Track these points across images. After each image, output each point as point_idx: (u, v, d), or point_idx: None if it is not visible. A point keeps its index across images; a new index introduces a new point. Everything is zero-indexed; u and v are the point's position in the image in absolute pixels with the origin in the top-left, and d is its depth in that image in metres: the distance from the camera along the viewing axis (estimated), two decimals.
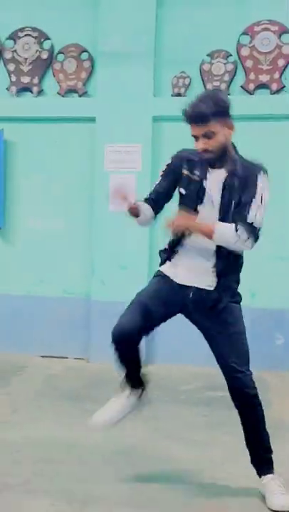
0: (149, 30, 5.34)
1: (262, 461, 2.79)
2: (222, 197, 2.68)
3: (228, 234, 2.62)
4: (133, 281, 5.37)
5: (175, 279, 2.81)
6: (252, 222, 2.64)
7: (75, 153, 5.62)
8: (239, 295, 2.86)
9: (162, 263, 2.91)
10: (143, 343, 5.60)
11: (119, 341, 2.83)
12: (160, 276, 2.89)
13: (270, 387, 4.06)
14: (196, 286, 2.76)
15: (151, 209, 2.86)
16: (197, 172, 2.73)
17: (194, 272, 2.76)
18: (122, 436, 3.48)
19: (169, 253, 2.85)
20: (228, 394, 4.37)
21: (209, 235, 2.63)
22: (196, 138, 2.65)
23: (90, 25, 5.51)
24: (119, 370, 2.98)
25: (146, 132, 5.35)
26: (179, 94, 5.35)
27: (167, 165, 2.87)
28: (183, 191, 2.77)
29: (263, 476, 2.77)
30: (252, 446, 2.80)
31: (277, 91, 5.20)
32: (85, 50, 5.54)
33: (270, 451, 2.80)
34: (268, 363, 4.99)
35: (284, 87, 5.20)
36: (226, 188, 2.67)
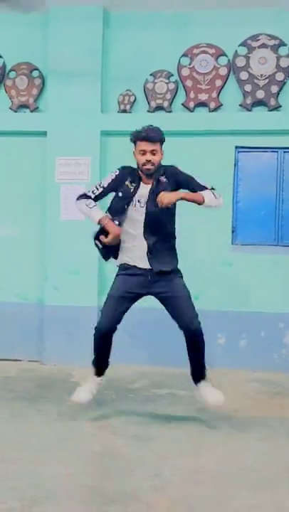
0: (96, 50, 5.32)
1: (201, 373, 3.65)
2: (147, 201, 3.56)
3: (211, 196, 3.57)
4: (84, 286, 5.37)
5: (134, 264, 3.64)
6: (211, 187, 3.63)
7: (27, 166, 5.54)
8: (179, 271, 3.70)
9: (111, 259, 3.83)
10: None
11: (103, 336, 3.71)
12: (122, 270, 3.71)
13: (213, 384, 4.06)
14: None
15: (95, 205, 3.70)
16: (134, 184, 3.60)
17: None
18: (70, 435, 3.44)
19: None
20: (172, 391, 4.43)
21: (201, 200, 3.53)
22: (144, 152, 3.52)
23: (41, 45, 5.45)
24: (95, 360, 3.77)
25: (94, 146, 5.33)
26: (124, 111, 5.35)
27: (116, 175, 3.68)
28: (120, 194, 3.61)
29: (199, 383, 3.64)
30: (196, 364, 3.64)
31: (215, 109, 5.27)
32: (36, 68, 5.47)
33: (205, 368, 3.69)
34: (211, 361, 5.01)
35: (221, 105, 5.26)
36: (150, 196, 3.55)
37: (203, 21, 5.30)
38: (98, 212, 3.65)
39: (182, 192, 3.56)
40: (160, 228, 3.58)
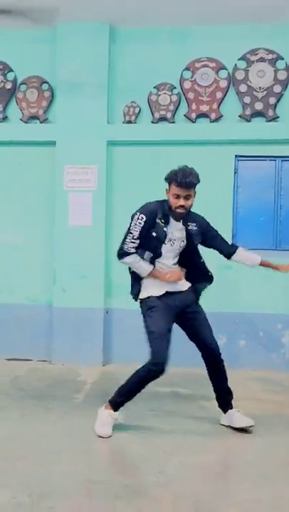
0: (102, 63, 5.31)
1: (227, 400, 3.54)
2: (186, 239, 3.49)
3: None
4: (91, 289, 5.34)
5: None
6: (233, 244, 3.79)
7: (37, 174, 5.52)
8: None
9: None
10: (102, 346, 5.55)
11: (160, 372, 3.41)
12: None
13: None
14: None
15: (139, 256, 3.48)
16: (163, 222, 3.42)
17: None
18: (78, 432, 3.40)
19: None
20: (175, 390, 4.38)
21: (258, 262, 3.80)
22: (178, 196, 3.33)
23: (50, 59, 5.44)
24: (128, 397, 3.47)
25: (101, 155, 5.31)
26: (129, 122, 5.33)
27: (144, 222, 3.40)
28: (154, 234, 3.40)
29: (228, 411, 3.52)
30: (220, 391, 3.54)
31: (216, 119, 5.24)
32: (46, 81, 5.46)
33: (232, 394, 3.56)
34: (233, 362, 4.94)
35: (222, 116, 5.24)
36: (188, 232, 3.47)
37: (204, 36, 5.28)
38: (147, 265, 3.47)
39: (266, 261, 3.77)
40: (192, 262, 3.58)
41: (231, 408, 3.54)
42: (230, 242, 5.06)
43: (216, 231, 3.62)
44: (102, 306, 5.31)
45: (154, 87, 5.34)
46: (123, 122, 5.36)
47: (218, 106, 5.24)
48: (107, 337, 5.36)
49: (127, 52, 5.39)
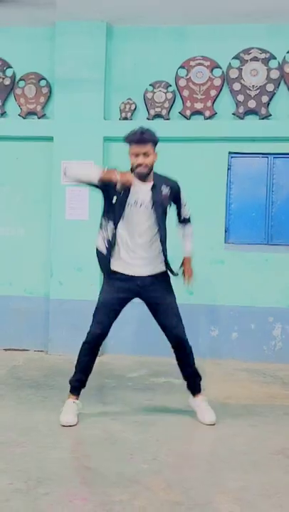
0: (99, 61, 5.26)
1: (195, 385, 3.44)
2: (151, 200, 3.28)
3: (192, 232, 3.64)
4: (87, 281, 5.32)
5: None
6: (189, 217, 3.59)
7: (35, 169, 5.47)
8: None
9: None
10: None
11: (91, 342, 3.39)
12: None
13: (205, 373, 4.04)
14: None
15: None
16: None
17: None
18: None
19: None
20: (169, 380, 4.38)
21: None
22: (137, 155, 3.23)
23: (48, 56, 5.39)
24: (74, 373, 3.42)
25: (97, 150, 5.27)
26: (125, 118, 5.29)
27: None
28: (114, 199, 3.27)
29: (195, 396, 3.43)
30: (189, 376, 3.42)
31: (210, 117, 5.21)
32: (43, 78, 5.41)
33: (200, 377, 3.45)
34: (205, 352, 5.00)
35: (216, 113, 5.21)
36: (153, 194, 3.28)
37: (199, 35, 5.25)
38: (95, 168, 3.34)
39: (188, 259, 3.63)
40: (159, 230, 3.32)
41: (199, 391, 3.46)
42: (222, 237, 5.04)
43: (184, 201, 3.47)
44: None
45: (150, 85, 5.30)
46: (119, 119, 5.32)
47: (213, 104, 5.21)
48: None
49: (124, 50, 5.35)
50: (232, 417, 3.51)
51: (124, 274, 3.33)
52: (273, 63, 5.16)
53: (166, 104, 5.27)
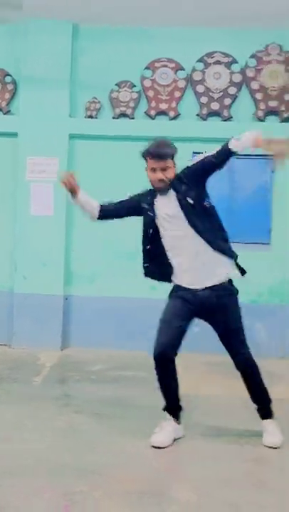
0: (65, 60, 5.20)
1: (264, 407, 2.99)
2: (181, 208, 2.88)
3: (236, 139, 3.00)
4: (51, 276, 5.25)
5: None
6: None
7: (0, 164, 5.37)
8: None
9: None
10: (61, 331, 5.45)
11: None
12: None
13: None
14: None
15: (99, 208, 3.06)
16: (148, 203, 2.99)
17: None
18: (37, 413, 3.34)
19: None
20: (135, 373, 4.35)
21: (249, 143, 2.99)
22: (154, 170, 2.91)
23: (14, 53, 5.29)
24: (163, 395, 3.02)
25: (63, 147, 5.20)
26: (91, 116, 5.25)
27: (130, 198, 3.10)
28: (143, 220, 3.01)
29: (264, 420, 2.98)
30: (257, 398, 3.01)
31: (174, 117, 5.23)
32: (9, 74, 5.30)
33: (270, 401, 3.01)
34: (188, 347, 4.91)
35: (180, 114, 5.23)
36: (181, 202, 2.89)
37: (164, 38, 5.25)
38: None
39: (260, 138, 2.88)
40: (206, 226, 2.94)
41: (269, 418, 3.00)
42: None
43: (200, 160, 2.99)
44: (62, 293, 5.23)
45: (116, 84, 5.27)
46: (85, 117, 5.27)
47: (177, 104, 5.22)
48: (66, 322, 5.29)
49: (90, 50, 5.30)
50: (191, 410, 3.52)
51: None
52: (236, 67, 5.21)
53: (132, 104, 5.25)
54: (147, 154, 2.93)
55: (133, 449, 2.84)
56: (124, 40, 5.28)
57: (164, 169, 2.90)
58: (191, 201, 2.88)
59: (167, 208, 2.92)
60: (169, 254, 2.96)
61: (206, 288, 2.92)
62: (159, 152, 2.91)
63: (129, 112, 5.23)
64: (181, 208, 2.88)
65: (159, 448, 2.82)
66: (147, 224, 2.99)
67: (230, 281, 3.00)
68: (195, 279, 2.92)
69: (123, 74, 5.27)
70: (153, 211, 2.96)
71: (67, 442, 2.92)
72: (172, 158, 2.95)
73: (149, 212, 2.97)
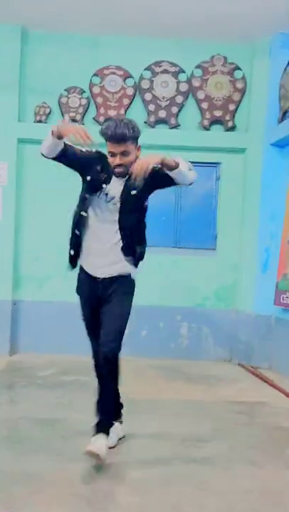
0: (14, 64, 5.14)
1: (102, 423, 2.71)
2: (121, 195, 2.66)
3: (185, 164, 2.60)
4: (0, 280, 5.16)
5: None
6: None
7: None
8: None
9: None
10: (9, 336, 5.34)
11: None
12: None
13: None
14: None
15: (63, 147, 2.68)
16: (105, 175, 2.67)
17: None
18: None
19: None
20: (78, 378, 4.32)
21: (173, 164, 2.53)
22: (114, 154, 2.59)
23: None
24: None
25: (11, 152, 5.14)
26: (40, 121, 5.20)
27: (88, 151, 2.70)
28: (88, 178, 2.69)
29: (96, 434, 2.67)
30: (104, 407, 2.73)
31: None
32: None
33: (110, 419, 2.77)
34: (135, 351, 4.92)
35: None
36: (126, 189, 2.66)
37: (113, 45, 5.28)
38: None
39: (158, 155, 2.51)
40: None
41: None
42: None
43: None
44: (10, 298, 5.15)
45: (65, 90, 5.26)
46: (34, 121, 5.23)
47: (125, 111, 5.26)
48: (14, 328, 5.20)
49: (40, 55, 5.26)
50: (137, 412, 3.53)
51: None
52: (182, 76, 5.30)
53: (81, 110, 5.25)
54: (105, 135, 2.58)
55: (74, 453, 2.81)
56: (74, 46, 5.28)
57: (123, 153, 2.58)
58: (135, 193, 2.65)
59: (113, 188, 2.67)
60: (83, 232, 2.74)
61: (105, 278, 2.74)
62: (116, 134, 2.53)
63: (78, 117, 5.23)
64: (121, 195, 2.65)
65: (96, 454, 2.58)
66: (89, 188, 2.69)
67: (129, 275, 2.83)
68: (97, 267, 2.74)
69: (72, 80, 5.27)
70: (104, 181, 2.66)
71: (10, 448, 2.88)
72: (135, 142, 2.61)
73: (98, 177, 2.66)
